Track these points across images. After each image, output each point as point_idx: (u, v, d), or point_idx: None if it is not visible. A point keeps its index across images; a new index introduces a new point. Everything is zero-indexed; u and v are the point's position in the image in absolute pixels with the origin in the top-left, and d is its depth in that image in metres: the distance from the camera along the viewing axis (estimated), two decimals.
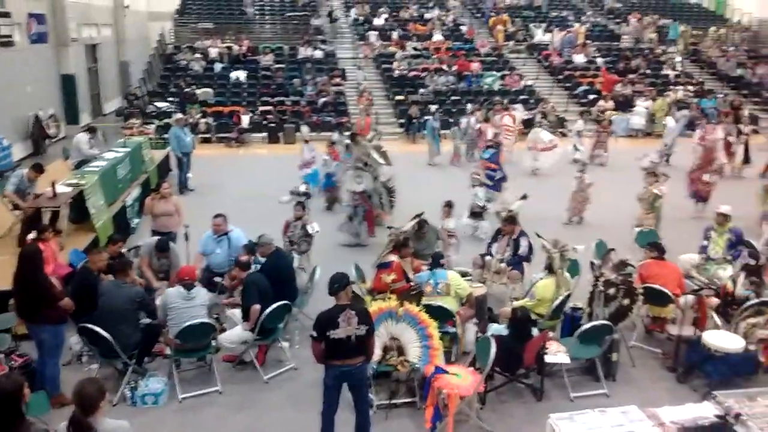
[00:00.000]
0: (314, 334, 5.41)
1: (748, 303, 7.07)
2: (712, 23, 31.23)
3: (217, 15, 29.21)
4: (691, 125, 18.14)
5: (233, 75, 23.83)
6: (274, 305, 6.83)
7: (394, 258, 7.75)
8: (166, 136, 16.34)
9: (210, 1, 30.74)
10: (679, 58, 27.52)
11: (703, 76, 27.07)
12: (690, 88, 24.90)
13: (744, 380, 6.58)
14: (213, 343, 6.85)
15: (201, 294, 6.81)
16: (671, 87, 24.72)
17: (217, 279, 8.14)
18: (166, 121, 19.13)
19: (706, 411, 5.34)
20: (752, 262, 7.72)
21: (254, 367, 6.98)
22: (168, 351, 6.81)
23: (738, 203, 9.99)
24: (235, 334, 6.94)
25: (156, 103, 21.67)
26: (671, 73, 26.34)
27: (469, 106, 19.92)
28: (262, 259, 7.71)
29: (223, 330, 7.14)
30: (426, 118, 19.16)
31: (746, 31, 31.30)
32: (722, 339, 6.67)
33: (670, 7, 34.23)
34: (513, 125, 17.52)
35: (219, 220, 8.37)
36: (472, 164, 15.46)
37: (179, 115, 15.68)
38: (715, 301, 7.53)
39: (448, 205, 9.88)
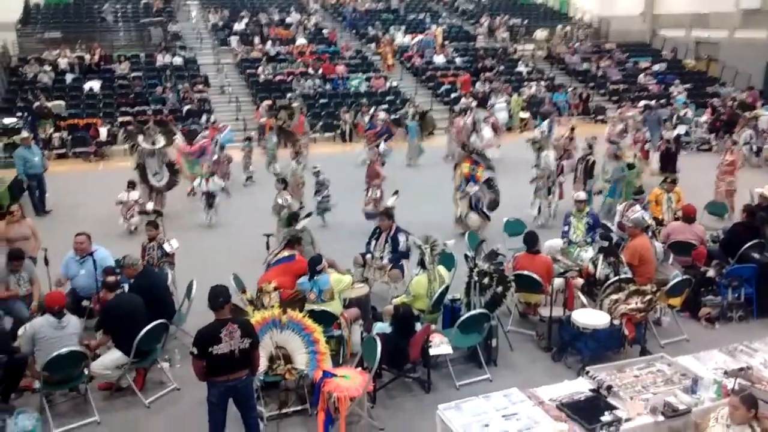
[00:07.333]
0: (195, 351, 5.21)
1: (610, 281, 7.57)
2: (558, 21, 33.34)
3: (65, 24, 27.38)
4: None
5: (86, 85, 22.49)
6: (149, 326, 6.50)
7: (293, 252, 7.83)
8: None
9: (56, 9, 28.80)
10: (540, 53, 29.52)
11: (554, 72, 28.84)
12: (542, 83, 26.45)
13: (613, 353, 7.02)
14: (85, 371, 6.41)
15: (72, 322, 6.38)
16: (525, 83, 26.16)
17: (85, 303, 7.64)
18: (15, 138, 17.65)
19: (581, 386, 5.67)
20: (605, 243, 8.11)
21: (133, 392, 6.61)
22: (36, 385, 6.31)
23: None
24: (109, 359, 6.53)
25: (3, 120, 19.92)
26: (524, 70, 27.86)
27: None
28: None
29: (96, 356, 6.72)
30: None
31: (589, 27, 33.72)
32: (589, 317, 7.05)
33: (519, 8, 36.17)
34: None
35: (81, 238, 7.83)
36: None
37: (24, 134, 14.58)
38: (580, 281, 7.94)
39: None
